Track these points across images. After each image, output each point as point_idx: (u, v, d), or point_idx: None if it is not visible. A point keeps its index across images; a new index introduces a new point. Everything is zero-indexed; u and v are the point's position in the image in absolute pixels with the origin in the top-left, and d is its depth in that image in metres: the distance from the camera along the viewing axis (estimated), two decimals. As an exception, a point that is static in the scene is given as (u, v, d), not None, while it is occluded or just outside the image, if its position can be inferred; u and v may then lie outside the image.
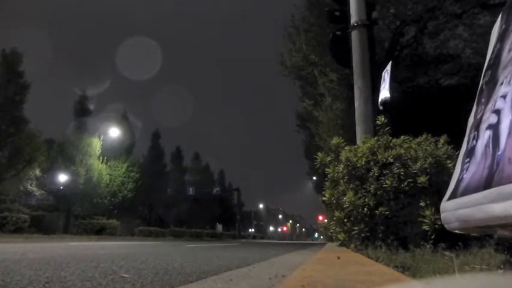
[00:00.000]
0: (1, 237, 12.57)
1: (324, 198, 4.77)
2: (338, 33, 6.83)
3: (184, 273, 3.16)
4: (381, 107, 5.52)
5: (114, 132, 26.67)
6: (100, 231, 21.64)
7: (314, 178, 25.07)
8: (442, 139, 4.28)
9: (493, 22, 1.10)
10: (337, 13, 6.94)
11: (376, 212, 3.90)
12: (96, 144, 23.94)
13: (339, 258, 2.80)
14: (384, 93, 5.51)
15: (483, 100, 1.02)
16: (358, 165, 4.26)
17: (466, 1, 9.55)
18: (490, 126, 0.92)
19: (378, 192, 3.96)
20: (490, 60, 1.05)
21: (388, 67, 5.60)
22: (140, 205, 31.40)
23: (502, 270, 0.99)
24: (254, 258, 5.34)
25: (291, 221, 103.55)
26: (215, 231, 42.19)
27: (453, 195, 1.03)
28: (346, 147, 4.68)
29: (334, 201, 4.49)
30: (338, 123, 10.74)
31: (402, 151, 4.13)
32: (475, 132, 1.00)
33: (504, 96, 0.89)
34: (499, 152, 0.84)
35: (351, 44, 6.49)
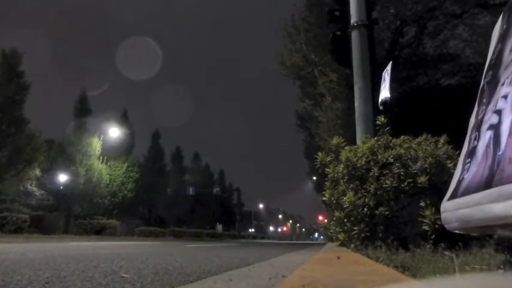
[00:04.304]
0: (1, 237, 12.57)
1: (324, 198, 4.77)
2: (338, 33, 6.83)
3: (184, 273, 3.16)
4: (381, 107, 5.51)
5: (114, 132, 26.66)
6: (100, 231, 21.62)
7: (314, 178, 25.05)
8: (442, 139, 4.28)
9: (493, 22, 1.10)
10: (337, 13, 6.94)
11: (376, 212, 3.89)
12: (96, 144, 23.93)
13: (339, 258, 2.80)
14: (384, 93, 5.51)
15: (484, 100, 1.02)
16: (358, 165, 4.26)
17: (466, 1, 9.55)
18: (491, 127, 0.92)
19: (378, 192, 3.96)
20: (491, 60, 1.05)
21: (388, 67, 5.60)
22: (140, 205, 31.37)
23: (502, 270, 0.99)
24: (254, 258, 5.34)
25: (291, 221, 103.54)
26: (215, 231, 42.17)
27: (454, 195, 1.03)
28: (346, 147, 4.68)
29: (334, 201, 4.48)
30: (338, 123, 10.73)
31: (402, 151, 4.13)
32: (476, 133, 1.00)
33: (505, 97, 0.89)
34: (500, 152, 0.84)
35: (351, 44, 6.49)
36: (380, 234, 3.87)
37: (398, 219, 3.86)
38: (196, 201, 40.06)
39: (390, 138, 4.52)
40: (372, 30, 6.71)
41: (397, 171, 3.92)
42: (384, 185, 3.91)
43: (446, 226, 1.06)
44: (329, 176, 4.72)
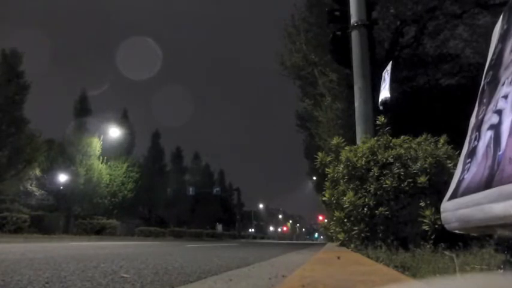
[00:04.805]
0: (1, 237, 12.57)
1: (324, 198, 4.77)
2: (338, 33, 6.83)
3: (184, 273, 3.16)
4: (381, 107, 5.51)
5: (114, 132, 26.66)
6: (100, 231, 21.62)
7: (314, 178, 25.05)
8: (442, 139, 4.28)
9: (493, 22, 1.10)
10: (337, 13, 6.94)
11: (376, 212, 3.89)
12: (96, 144, 23.93)
13: (339, 258, 2.80)
14: (384, 93, 5.51)
15: (485, 100, 1.02)
16: (358, 165, 4.26)
17: (466, 1, 9.55)
18: (491, 127, 0.92)
19: (378, 192, 3.96)
20: (491, 60, 1.05)
21: (388, 67, 5.60)
22: (140, 205, 31.37)
23: (502, 270, 0.99)
24: (254, 258, 5.34)
25: (291, 221, 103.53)
26: (215, 231, 42.17)
27: (454, 195, 1.03)
28: (346, 147, 4.68)
29: (334, 201, 4.48)
30: (338, 123, 10.74)
31: (402, 151, 4.13)
32: (477, 133, 1.00)
33: (506, 97, 0.89)
34: (500, 152, 0.84)
35: (351, 44, 6.49)
36: (380, 234, 3.87)
37: (399, 219, 3.86)
38: (196, 201, 40.06)
39: (390, 138, 4.52)
40: (372, 30, 6.71)
41: (397, 171, 3.92)
42: (384, 185, 3.91)
43: (446, 226, 1.06)
44: (329, 176, 4.72)
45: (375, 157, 4.22)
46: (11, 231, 15.80)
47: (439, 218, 1.97)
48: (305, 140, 21.14)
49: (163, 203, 33.92)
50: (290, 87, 14.49)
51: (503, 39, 1.00)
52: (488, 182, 0.85)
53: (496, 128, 0.89)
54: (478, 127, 1.00)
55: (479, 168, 0.92)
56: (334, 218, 4.45)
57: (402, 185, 3.85)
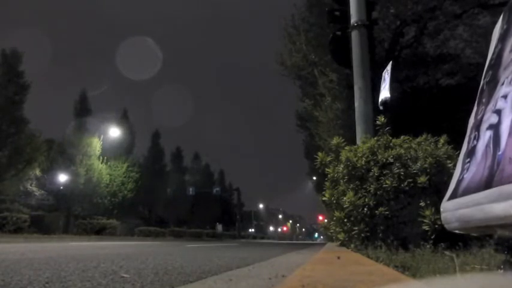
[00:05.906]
0: (1, 237, 12.57)
1: (324, 198, 4.77)
2: (338, 33, 6.83)
3: (184, 273, 3.16)
4: (381, 107, 5.51)
5: (114, 132, 26.68)
6: (100, 231, 21.63)
7: (314, 178, 25.04)
8: (442, 139, 4.28)
9: (493, 22, 1.10)
10: (337, 13, 6.93)
11: (376, 212, 3.89)
12: (96, 144, 23.95)
13: (339, 258, 2.80)
14: (384, 93, 5.51)
15: (484, 100, 1.02)
16: (358, 165, 4.26)
17: (466, 1, 9.55)
18: (490, 127, 0.92)
19: (378, 192, 3.96)
20: (491, 60, 1.05)
21: (388, 67, 5.60)
22: (140, 205, 31.37)
23: (502, 270, 0.99)
24: (254, 258, 5.34)
25: (291, 221, 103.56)
26: (215, 231, 42.17)
27: (453, 195, 1.03)
28: (346, 147, 4.68)
29: (334, 201, 4.48)
30: (338, 123, 10.73)
31: (402, 151, 4.13)
32: (476, 133, 1.00)
33: (505, 97, 0.89)
34: (500, 152, 0.84)
35: (351, 44, 6.48)
36: (380, 234, 3.87)
37: (398, 219, 3.86)
38: (196, 201, 40.05)
39: (390, 138, 4.51)
40: (372, 30, 6.70)
41: (397, 171, 3.92)
42: (384, 185, 3.91)
43: (446, 226, 1.06)
44: (329, 176, 4.71)
45: (375, 157, 4.22)
46: (11, 231, 15.80)
47: (439, 218, 1.97)
48: (305, 140, 21.13)
49: (163, 203, 33.92)
50: (290, 87, 14.49)
51: (502, 39, 1.00)
52: (488, 182, 0.85)
53: (496, 127, 0.89)
54: (477, 127, 1.00)
55: (478, 168, 0.92)
56: (334, 218, 4.45)
57: (402, 185, 3.85)
